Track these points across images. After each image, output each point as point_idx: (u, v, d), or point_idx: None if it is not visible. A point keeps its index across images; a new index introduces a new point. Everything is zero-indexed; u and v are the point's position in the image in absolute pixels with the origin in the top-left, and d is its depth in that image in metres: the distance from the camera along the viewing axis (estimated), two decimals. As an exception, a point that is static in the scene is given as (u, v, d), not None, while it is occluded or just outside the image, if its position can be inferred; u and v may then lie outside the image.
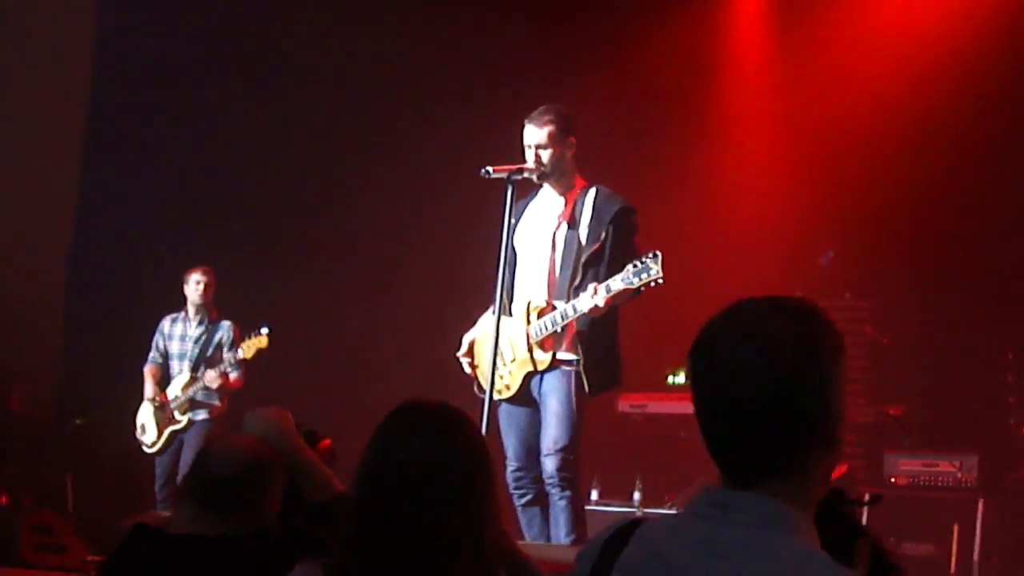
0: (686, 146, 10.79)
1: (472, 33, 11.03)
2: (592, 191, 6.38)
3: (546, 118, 6.37)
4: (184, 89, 11.18)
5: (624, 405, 9.55)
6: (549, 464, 6.21)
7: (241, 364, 9.44)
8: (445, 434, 2.65)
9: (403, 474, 2.59)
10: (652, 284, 5.96)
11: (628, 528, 2.27)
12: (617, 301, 6.13)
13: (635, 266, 5.95)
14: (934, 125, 10.13)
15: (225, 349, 9.56)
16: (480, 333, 6.55)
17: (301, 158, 11.49)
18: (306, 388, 9.73)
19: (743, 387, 2.14)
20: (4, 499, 9.53)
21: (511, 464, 6.39)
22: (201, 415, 9.50)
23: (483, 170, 6.16)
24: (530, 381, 6.35)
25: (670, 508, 8.95)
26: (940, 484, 8.34)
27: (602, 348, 6.33)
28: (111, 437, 10.15)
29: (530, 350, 6.27)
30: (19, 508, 9.35)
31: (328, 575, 2.62)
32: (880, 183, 10.40)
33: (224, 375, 9.38)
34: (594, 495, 9.15)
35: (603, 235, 6.25)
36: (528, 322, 6.30)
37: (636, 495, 8.82)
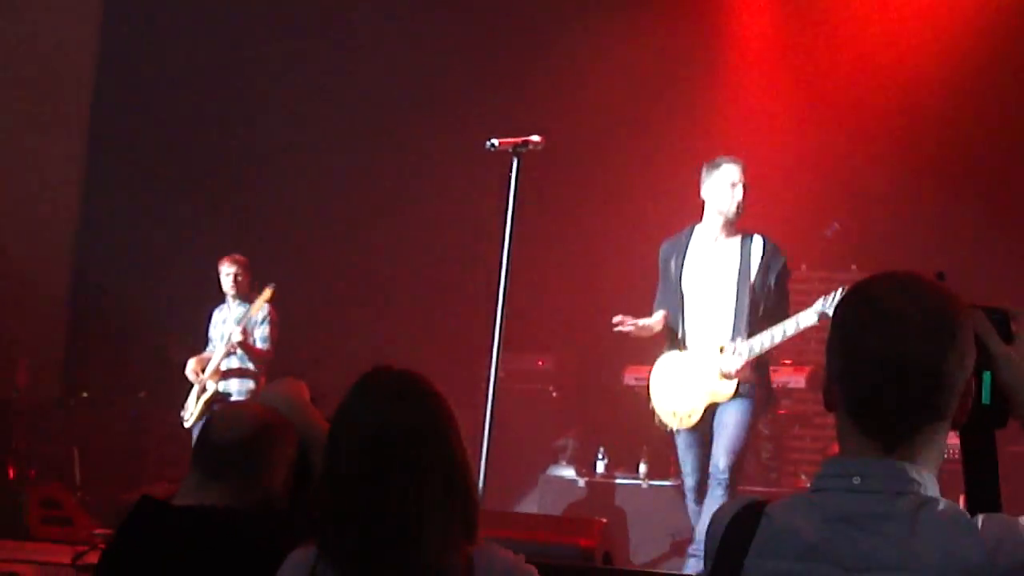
0: (690, 117, 10.77)
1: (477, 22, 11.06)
2: (760, 241, 6.88)
3: (740, 160, 6.95)
4: (190, 74, 11.18)
5: (629, 378, 9.53)
6: (723, 461, 6.66)
7: (272, 332, 9.47)
8: (408, 397, 2.63)
9: (374, 440, 2.57)
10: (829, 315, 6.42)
11: (751, 508, 2.24)
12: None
13: (823, 300, 6.53)
14: (942, 98, 10.11)
15: (257, 325, 9.57)
16: (659, 369, 7.09)
17: (309, 146, 11.47)
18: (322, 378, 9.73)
19: (910, 340, 2.14)
20: (11, 473, 9.55)
21: (694, 475, 6.96)
22: (236, 387, 9.46)
23: (488, 143, 6.15)
24: (713, 410, 6.83)
25: (676, 479, 8.97)
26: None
27: (767, 374, 7.05)
28: (118, 410, 10.17)
29: (717, 382, 6.76)
30: (26, 482, 9.38)
31: (322, 557, 2.59)
32: (888, 154, 10.39)
33: (244, 331, 9.39)
34: (600, 467, 9.18)
35: (770, 286, 6.81)
36: (716, 357, 6.76)
37: (642, 467, 8.85)
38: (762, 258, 6.80)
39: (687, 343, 6.94)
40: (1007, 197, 10.13)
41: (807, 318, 6.56)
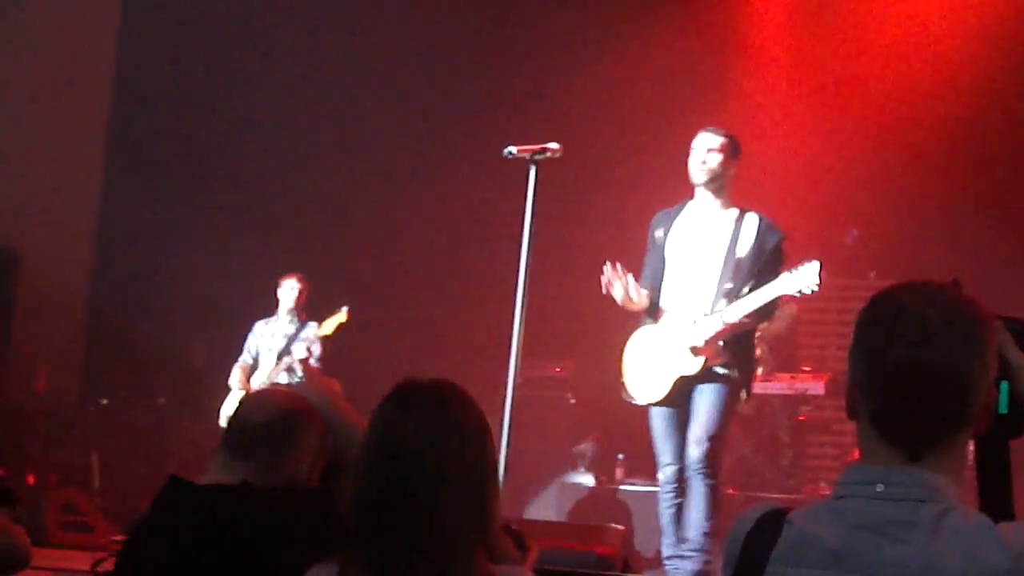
0: (706, 122, 10.75)
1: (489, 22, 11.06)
2: (755, 218, 6.58)
3: (722, 132, 6.69)
4: (209, 82, 11.21)
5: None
6: (696, 451, 6.31)
7: (312, 349, 9.52)
8: (443, 412, 2.60)
9: (403, 455, 2.55)
10: (808, 292, 6.13)
11: (773, 515, 2.24)
12: (759, 319, 6.42)
13: (791, 273, 6.17)
14: (962, 104, 10.09)
15: (314, 344, 9.63)
16: (633, 342, 6.72)
17: (326, 154, 11.50)
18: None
19: (936, 350, 2.14)
20: (30, 478, 9.58)
21: (672, 464, 6.50)
22: None
23: (505, 150, 6.13)
24: (684, 389, 6.47)
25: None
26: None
27: (748, 357, 6.63)
28: (137, 417, 10.19)
29: (685, 356, 6.41)
30: (45, 487, 9.40)
31: (343, 570, 2.57)
32: (907, 160, 10.37)
33: (308, 350, 9.45)
34: (619, 474, 9.17)
35: (762, 265, 6.43)
36: (686, 329, 6.43)
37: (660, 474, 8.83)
38: (756, 234, 6.49)
39: (664, 314, 6.60)
40: (1026, 204, 10.10)
41: (772, 290, 6.20)
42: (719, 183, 6.63)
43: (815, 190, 10.67)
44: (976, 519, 2.11)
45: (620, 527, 7.01)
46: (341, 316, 9.48)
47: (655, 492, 8.66)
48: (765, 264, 6.41)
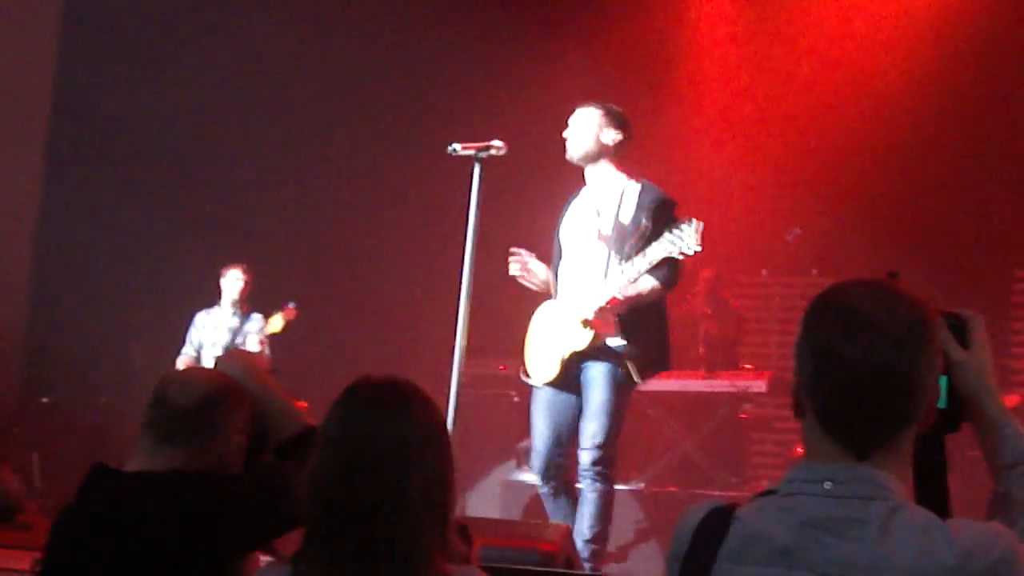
0: (650, 125, 10.79)
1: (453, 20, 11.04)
2: (636, 184, 6.39)
3: (590, 104, 6.54)
4: (152, 77, 11.11)
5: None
6: (586, 457, 6.17)
7: (264, 345, 9.47)
8: (404, 412, 2.58)
9: (358, 454, 2.53)
10: (690, 252, 5.91)
11: (719, 512, 2.25)
12: (647, 296, 6.18)
13: (671, 232, 5.94)
14: (903, 100, 10.18)
15: (252, 335, 9.57)
16: (534, 321, 6.58)
17: (278, 144, 11.45)
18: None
19: (886, 349, 2.16)
20: (-31, 478, 9.47)
21: (538, 451, 6.36)
22: None
23: (450, 147, 6.14)
24: (575, 367, 6.29)
25: (637, 484, 8.99)
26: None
27: (649, 333, 6.28)
28: (78, 416, 10.10)
29: (576, 331, 6.22)
30: (-15, 487, 9.30)
31: (296, 569, 2.55)
32: (847, 159, 10.45)
33: (262, 342, 9.44)
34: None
35: (643, 223, 6.23)
36: (578, 303, 6.26)
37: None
38: (637, 198, 6.30)
39: (561, 293, 6.47)
40: (966, 201, 10.21)
41: (653, 253, 5.96)
42: (596, 156, 6.47)
43: (757, 188, 10.74)
44: (925, 517, 2.13)
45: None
46: (288, 313, 9.46)
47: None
48: (649, 228, 6.19)
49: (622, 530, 8.32)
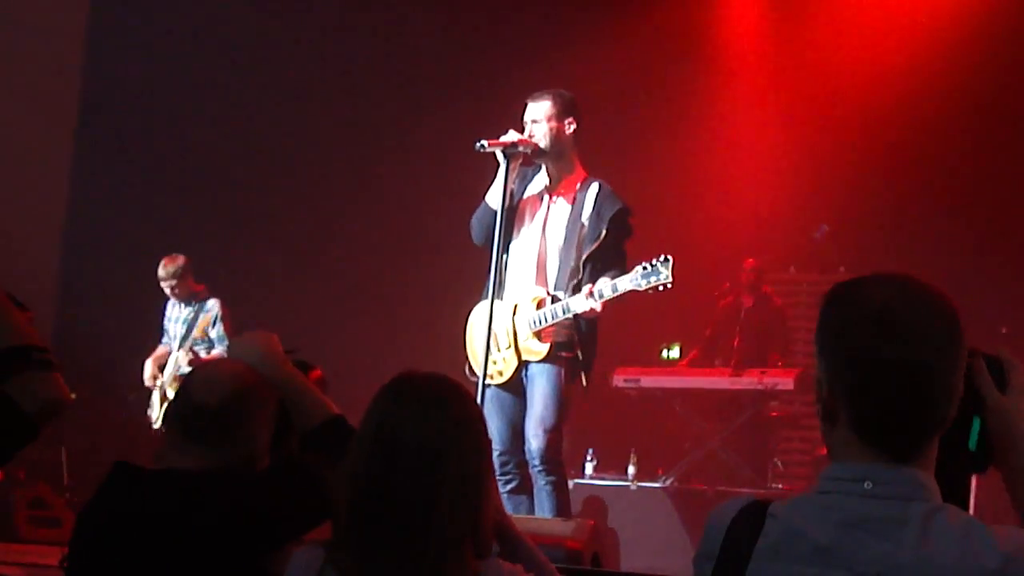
0: (680, 122, 10.78)
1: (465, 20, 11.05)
2: (595, 186, 6.25)
3: (544, 95, 6.30)
4: (179, 75, 11.15)
5: (618, 380, 9.55)
6: (534, 444, 6.11)
7: (227, 328, 9.41)
8: (440, 407, 2.60)
9: (398, 448, 2.54)
10: (660, 288, 5.85)
11: (753, 509, 2.20)
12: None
13: (645, 268, 5.87)
14: (933, 98, 10.14)
15: (210, 326, 9.49)
16: (475, 316, 6.45)
17: (295, 146, 11.46)
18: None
19: (923, 351, 2.11)
20: (-1, 474, 9.53)
21: (496, 448, 6.17)
22: None
23: (477, 144, 6.12)
24: (523, 369, 6.26)
25: (664, 481, 8.99)
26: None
27: (592, 338, 6.26)
28: (106, 412, 10.14)
29: (527, 340, 6.17)
30: (14, 483, 9.34)
31: (330, 555, 2.56)
32: (876, 157, 10.41)
33: (195, 353, 9.33)
34: (589, 469, 9.18)
35: (602, 233, 6.13)
36: (527, 310, 6.19)
37: (631, 469, 8.86)
38: (594, 204, 6.15)
39: (506, 292, 6.26)
40: (994, 200, 10.16)
41: (622, 285, 5.87)
42: (564, 148, 6.30)
43: (785, 186, 10.71)
44: (965, 519, 2.10)
45: (589, 521, 7.01)
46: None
47: (625, 487, 8.76)
48: (606, 238, 6.09)
49: (648, 526, 8.32)
